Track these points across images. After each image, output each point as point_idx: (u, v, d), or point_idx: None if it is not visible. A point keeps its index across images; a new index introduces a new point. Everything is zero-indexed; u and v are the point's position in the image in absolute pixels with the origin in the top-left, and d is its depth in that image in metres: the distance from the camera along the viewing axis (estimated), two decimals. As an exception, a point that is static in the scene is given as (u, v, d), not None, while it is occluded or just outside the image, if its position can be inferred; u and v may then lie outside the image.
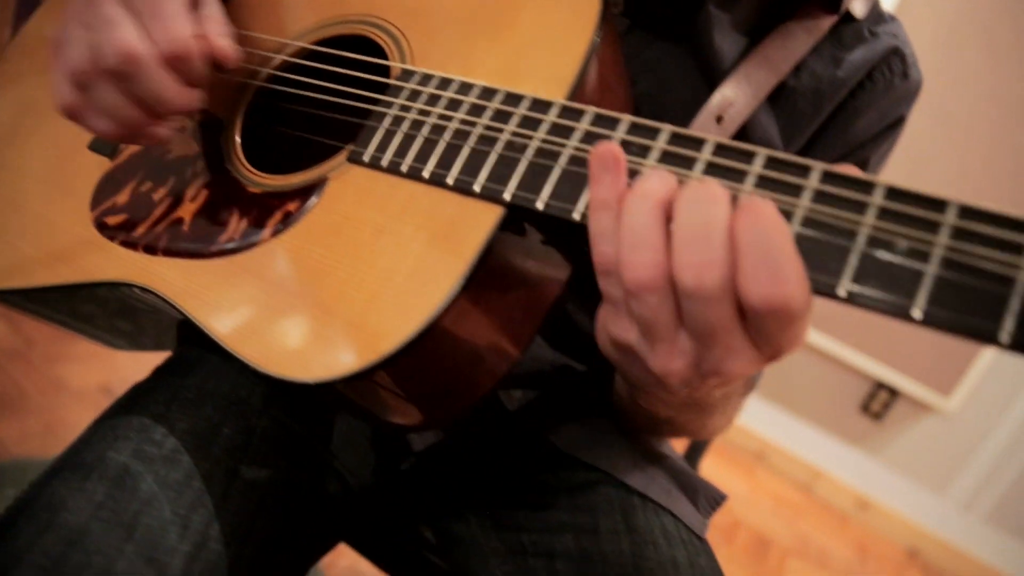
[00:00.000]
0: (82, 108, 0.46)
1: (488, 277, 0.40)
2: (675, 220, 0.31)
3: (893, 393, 2.23)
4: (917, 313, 0.29)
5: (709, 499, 0.66)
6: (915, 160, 2.12)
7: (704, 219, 0.30)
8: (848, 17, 0.59)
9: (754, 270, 0.29)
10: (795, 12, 0.57)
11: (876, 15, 0.61)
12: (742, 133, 0.55)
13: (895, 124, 0.61)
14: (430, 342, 0.39)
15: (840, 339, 2.25)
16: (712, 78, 0.55)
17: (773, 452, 2.44)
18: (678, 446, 0.81)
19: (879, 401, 2.26)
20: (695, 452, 1.02)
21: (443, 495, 0.65)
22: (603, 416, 0.64)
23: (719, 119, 0.53)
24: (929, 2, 2.05)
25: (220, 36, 0.48)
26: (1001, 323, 0.27)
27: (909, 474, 2.30)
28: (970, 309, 0.28)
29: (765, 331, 0.30)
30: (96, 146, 0.57)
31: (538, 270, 0.44)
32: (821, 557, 2.03)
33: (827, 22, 0.57)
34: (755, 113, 0.56)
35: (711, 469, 2.29)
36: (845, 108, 0.59)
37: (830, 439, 2.38)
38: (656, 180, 0.32)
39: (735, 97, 0.54)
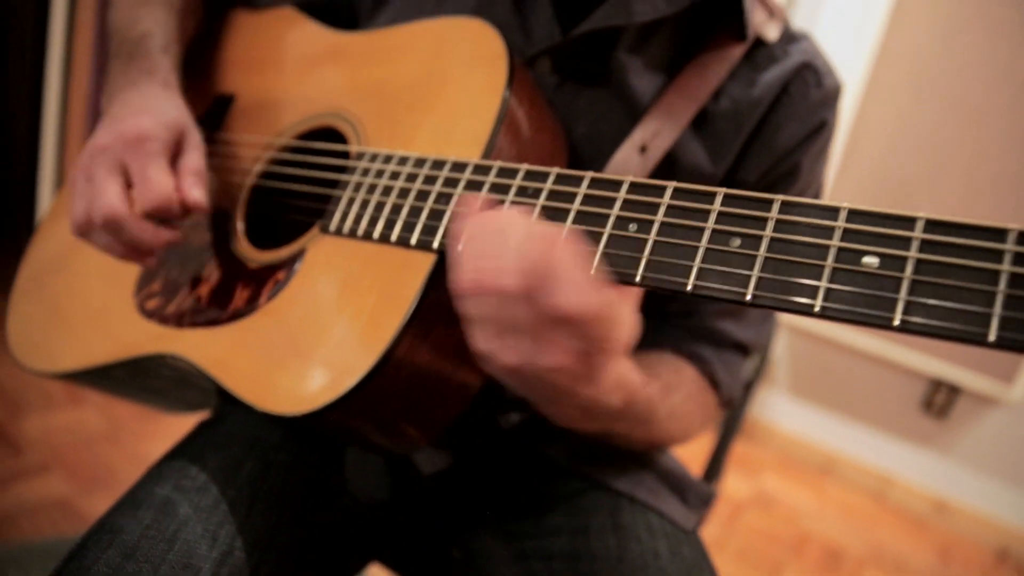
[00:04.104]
0: (85, 239, 0.59)
1: (433, 312, 0.49)
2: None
3: (953, 389, 2.18)
4: (749, 297, 0.36)
5: (699, 496, 0.71)
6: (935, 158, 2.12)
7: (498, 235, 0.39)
8: (760, 42, 0.66)
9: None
10: (707, 45, 0.64)
11: (788, 36, 0.67)
12: (669, 159, 0.62)
13: (819, 128, 0.66)
14: (391, 371, 0.48)
15: (889, 339, 2.22)
16: (636, 115, 0.62)
17: (839, 463, 2.40)
18: (697, 458, 0.87)
19: (940, 398, 2.21)
20: (716, 464, 1.06)
21: (457, 514, 0.72)
22: None
23: (643, 149, 0.60)
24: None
25: (192, 188, 0.58)
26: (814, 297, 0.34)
27: (986, 471, 2.22)
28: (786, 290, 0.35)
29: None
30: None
31: None
32: (899, 564, 1.98)
33: (739, 50, 0.64)
34: (681, 140, 0.63)
35: (775, 485, 2.27)
36: (767, 122, 0.64)
37: (896, 443, 2.33)
38: (495, 212, 0.41)
39: (658, 128, 0.61)
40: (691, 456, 0.84)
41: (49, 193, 2.19)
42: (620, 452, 0.70)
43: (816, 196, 0.70)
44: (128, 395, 0.83)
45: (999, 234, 0.33)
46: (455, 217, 0.43)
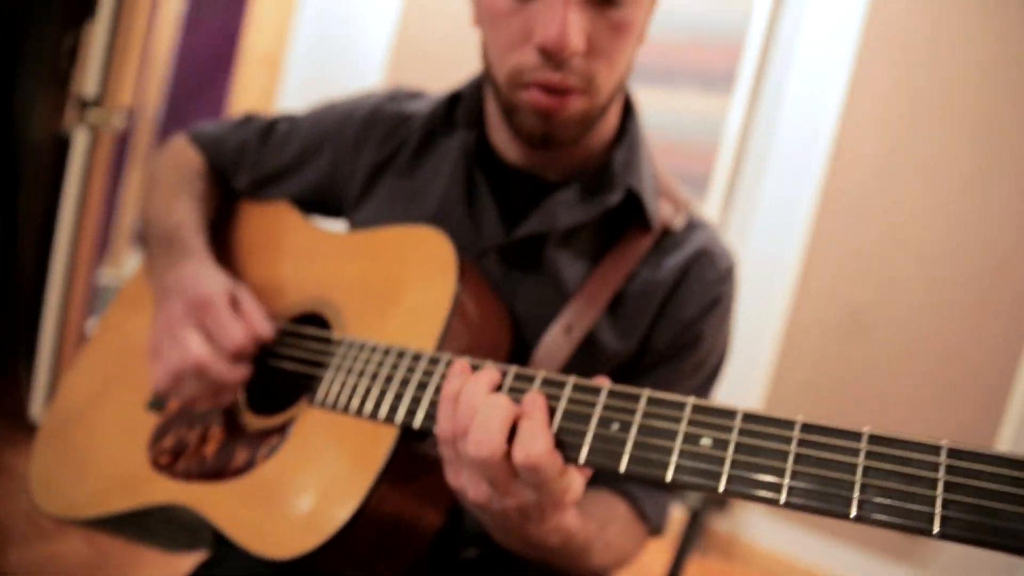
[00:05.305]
0: (174, 392, 0.72)
1: (399, 471, 0.61)
2: None
3: (918, 503, 2.25)
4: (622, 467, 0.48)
5: None
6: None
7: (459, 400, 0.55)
8: (668, 231, 0.81)
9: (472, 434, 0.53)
10: (623, 236, 0.78)
11: (691, 225, 0.82)
12: (589, 338, 0.76)
13: (715, 303, 0.79)
14: (363, 521, 0.60)
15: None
16: (564, 299, 0.77)
17: (819, 579, 2.44)
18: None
19: (908, 513, 2.28)
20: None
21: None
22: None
23: (569, 330, 0.75)
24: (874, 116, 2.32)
25: (261, 324, 0.73)
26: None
27: (962, 585, 2.27)
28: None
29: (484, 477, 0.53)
30: (151, 406, 0.81)
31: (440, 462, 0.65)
32: None
33: (649, 239, 0.78)
34: (599, 321, 0.77)
35: (756, 604, 2.29)
36: (672, 299, 0.78)
37: (875, 559, 2.38)
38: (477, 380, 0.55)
39: (581, 311, 0.75)
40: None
41: (53, 325, 2.31)
42: None
43: (720, 357, 0.83)
44: (131, 537, 0.93)
45: (789, 425, 0.46)
46: (446, 379, 0.57)
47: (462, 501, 0.58)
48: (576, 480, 0.54)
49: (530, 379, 0.56)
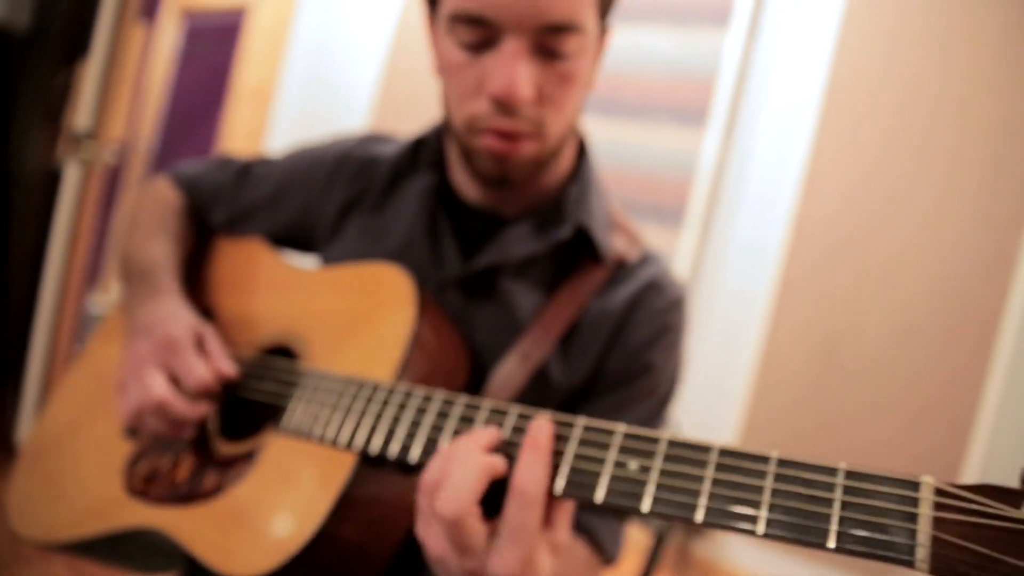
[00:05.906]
0: (139, 426, 0.76)
1: (359, 494, 0.66)
2: None
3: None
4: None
5: None
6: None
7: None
8: (623, 263, 0.85)
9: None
10: (578, 268, 0.82)
11: (643, 258, 0.86)
12: (542, 367, 0.80)
13: (663, 331, 0.83)
14: (323, 540, 0.64)
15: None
16: (520, 329, 0.80)
17: (798, 605, 2.45)
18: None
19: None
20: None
21: None
22: None
23: (525, 358, 0.79)
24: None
25: (224, 364, 0.77)
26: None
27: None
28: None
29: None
30: (127, 433, 0.85)
31: (398, 485, 0.69)
32: None
33: (603, 272, 0.82)
34: (553, 351, 0.81)
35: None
36: (623, 327, 0.82)
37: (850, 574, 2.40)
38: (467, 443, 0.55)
39: (537, 340, 0.79)
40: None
41: (42, 350, 2.34)
42: None
43: (670, 386, 0.87)
44: (107, 560, 0.96)
45: (706, 451, 0.50)
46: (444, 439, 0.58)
47: (429, 560, 0.58)
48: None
49: (501, 413, 0.58)
